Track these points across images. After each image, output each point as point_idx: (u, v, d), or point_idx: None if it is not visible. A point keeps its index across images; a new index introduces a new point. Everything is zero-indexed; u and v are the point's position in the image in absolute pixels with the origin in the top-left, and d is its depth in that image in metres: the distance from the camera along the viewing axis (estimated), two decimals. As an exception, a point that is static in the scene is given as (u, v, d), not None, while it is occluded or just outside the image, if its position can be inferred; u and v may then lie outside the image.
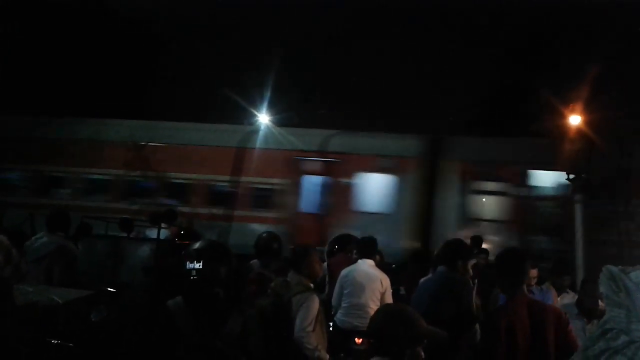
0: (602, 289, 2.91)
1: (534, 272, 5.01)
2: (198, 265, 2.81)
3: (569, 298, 5.56)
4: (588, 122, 10.69)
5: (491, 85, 26.03)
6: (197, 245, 2.94)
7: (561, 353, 3.31)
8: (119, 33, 24.94)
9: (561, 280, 5.78)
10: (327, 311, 5.93)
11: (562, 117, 11.05)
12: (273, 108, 17.40)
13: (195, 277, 2.80)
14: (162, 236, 7.31)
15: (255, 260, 5.61)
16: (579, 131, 10.68)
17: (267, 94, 18.07)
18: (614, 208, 11.02)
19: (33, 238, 5.41)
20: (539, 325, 3.39)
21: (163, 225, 7.44)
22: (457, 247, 4.49)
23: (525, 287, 3.66)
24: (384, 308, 3.02)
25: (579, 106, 10.90)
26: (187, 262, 2.82)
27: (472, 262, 4.48)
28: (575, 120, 10.96)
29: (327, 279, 7.02)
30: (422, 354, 2.73)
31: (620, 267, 2.85)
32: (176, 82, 26.42)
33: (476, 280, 6.32)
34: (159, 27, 26.88)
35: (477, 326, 3.88)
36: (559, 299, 5.52)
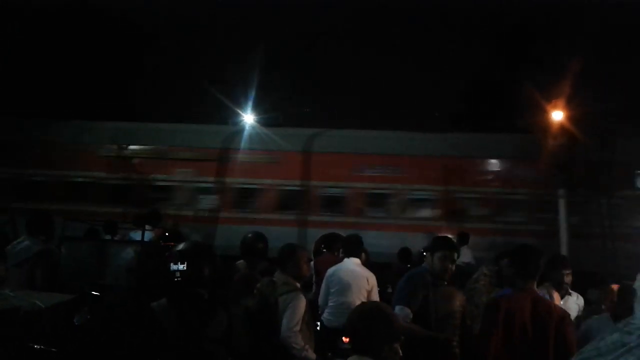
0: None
1: (568, 277, 4.82)
2: (182, 267, 2.79)
3: (573, 301, 5.35)
4: (570, 118, 10.79)
5: (473, 81, 26.27)
6: (180, 246, 2.92)
7: (559, 354, 3.34)
8: (102, 34, 24.71)
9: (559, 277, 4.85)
10: (314, 310, 5.92)
11: (545, 112, 11.15)
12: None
13: (179, 279, 2.78)
14: (146, 238, 7.24)
15: (241, 261, 5.58)
16: (561, 126, 10.78)
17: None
18: (596, 201, 11.13)
19: (14, 242, 5.32)
20: (541, 322, 3.43)
21: (147, 227, 7.37)
22: (432, 243, 4.53)
23: (535, 283, 3.71)
24: (360, 306, 3.03)
25: (561, 102, 11.01)
26: (171, 264, 2.80)
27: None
28: (557, 115, 11.07)
29: (314, 278, 7.02)
30: (400, 351, 2.74)
31: None
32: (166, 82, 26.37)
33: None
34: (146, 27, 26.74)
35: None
36: (561, 302, 4.87)
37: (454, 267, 4.41)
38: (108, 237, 8.41)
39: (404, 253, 9.29)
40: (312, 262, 7.29)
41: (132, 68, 25.77)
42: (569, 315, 3.62)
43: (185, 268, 2.79)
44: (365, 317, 2.81)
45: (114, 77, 24.58)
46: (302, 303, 4.02)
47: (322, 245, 7.75)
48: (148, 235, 7.34)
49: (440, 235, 5.36)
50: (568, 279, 4.83)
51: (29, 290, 4.35)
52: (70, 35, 23.71)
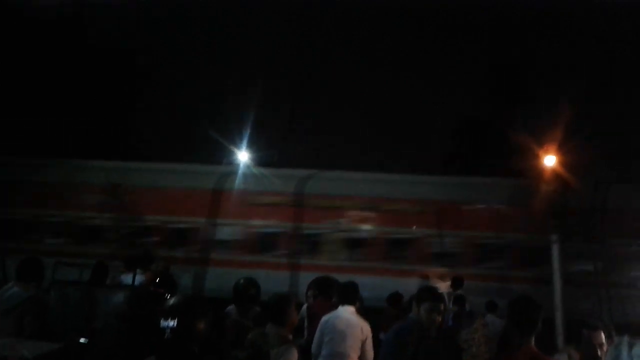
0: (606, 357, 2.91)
1: (599, 337, 3.88)
2: (172, 324, 2.74)
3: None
4: (563, 163, 10.87)
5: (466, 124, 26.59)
6: (171, 302, 2.88)
7: None
8: (98, 71, 24.89)
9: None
10: (307, 357, 5.81)
11: (538, 158, 11.24)
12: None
13: (169, 336, 2.73)
14: (137, 281, 7.16)
15: (231, 306, 5.51)
16: (554, 172, 10.85)
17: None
18: (590, 247, 11.13)
19: (3, 288, 5.24)
20: None
21: (138, 270, 7.29)
22: (418, 294, 4.45)
23: (532, 339, 3.57)
24: None
25: (553, 147, 11.11)
26: (162, 320, 2.75)
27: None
28: (550, 161, 11.15)
29: (305, 323, 6.91)
30: None
31: (634, 338, 2.85)
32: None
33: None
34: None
35: None
36: None
37: (440, 318, 4.34)
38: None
39: (395, 298, 9.20)
40: (304, 306, 7.21)
41: (132, 106, 25.90)
42: None
43: (175, 325, 2.74)
44: None
45: (109, 115, 24.65)
46: (294, 356, 3.95)
47: (316, 290, 7.68)
48: (139, 278, 7.27)
49: (425, 286, 5.26)
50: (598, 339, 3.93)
51: (16, 339, 4.27)
52: (68, 72, 23.86)
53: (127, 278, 7.82)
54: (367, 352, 5.74)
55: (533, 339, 3.59)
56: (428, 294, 4.37)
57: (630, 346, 2.95)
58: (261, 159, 17.73)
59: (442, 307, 4.31)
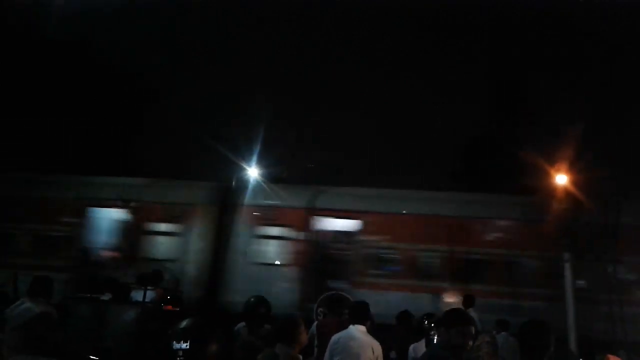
0: None
1: None
2: (185, 346, 2.73)
3: None
4: (574, 181, 10.83)
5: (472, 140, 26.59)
6: (183, 323, 2.87)
7: None
8: (104, 88, 25.07)
9: None
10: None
11: (549, 175, 11.21)
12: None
13: (182, 358, 2.72)
14: (148, 298, 7.19)
15: (241, 324, 5.50)
16: (565, 190, 10.81)
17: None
18: (602, 265, 11.04)
19: (13, 305, 5.25)
20: None
21: (149, 287, 7.32)
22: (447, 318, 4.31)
23: None
24: None
25: (564, 165, 11.08)
26: (174, 342, 2.74)
27: None
28: (561, 179, 11.12)
29: (315, 342, 6.88)
30: None
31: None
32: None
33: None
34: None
35: None
36: None
37: (471, 343, 4.21)
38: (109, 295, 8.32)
39: (404, 316, 9.11)
40: (314, 324, 7.19)
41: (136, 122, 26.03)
42: None
43: (188, 347, 2.74)
44: None
45: (112, 132, 24.78)
46: (304, 377, 3.94)
47: (326, 307, 7.65)
48: (150, 295, 7.29)
49: (452, 308, 5.05)
50: None
51: (27, 356, 4.26)
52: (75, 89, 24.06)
53: (137, 295, 7.84)
54: (378, 373, 5.71)
55: None
56: (459, 317, 4.21)
57: None
58: (270, 175, 17.77)
59: (472, 330, 4.17)
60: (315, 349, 6.82)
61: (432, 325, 6.55)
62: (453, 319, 4.13)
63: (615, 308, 10.19)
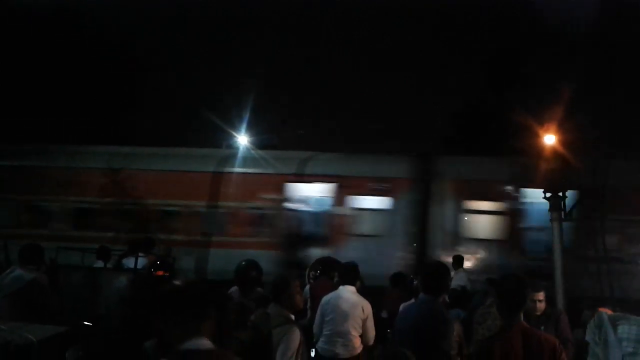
0: (587, 336, 2.89)
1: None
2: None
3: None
4: (563, 141, 10.84)
5: (470, 104, 26.51)
6: (174, 285, 2.90)
7: None
8: (95, 56, 24.76)
9: None
10: (309, 337, 5.88)
11: (538, 135, 11.21)
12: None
13: (172, 318, 2.74)
14: (139, 265, 7.21)
15: (234, 288, 5.56)
16: (554, 150, 10.83)
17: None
18: (590, 224, 11.16)
19: (4, 273, 5.28)
20: (533, 356, 3.34)
21: (140, 254, 7.34)
22: (441, 278, 4.37)
23: (522, 315, 3.60)
24: (391, 351, 2.92)
25: (553, 125, 11.07)
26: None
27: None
28: (550, 139, 11.13)
29: (309, 304, 6.98)
30: None
31: (615, 314, 2.81)
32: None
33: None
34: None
35: None
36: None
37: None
38: (101, 263, 8.35)
39: (398, 278, 9.26)
40: (307, 287, 7.28)
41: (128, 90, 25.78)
42: (560, 343, 3.51)
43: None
44: None
45: (109, 100, 24.55)
46: (296, 336, 3.99)
47: (318, 270, 7.74)
48: (141, 261, 7.31)
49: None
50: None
51: (20, 323, 4.30)
52: (68, 57, 23.75)
53: (129, 262, 7.87)
54: (368, 331, 5.81)
55: (522, 315, 3.59)
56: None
57: (614, 326, 2.89)
58: (261, 142, 17.76)
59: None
60: (308, 311, 6.93)
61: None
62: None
63: (602, 266, 10.34)
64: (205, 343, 2.17)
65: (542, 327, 4.81)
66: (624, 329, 2.66)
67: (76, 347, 3.80)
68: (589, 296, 10.65)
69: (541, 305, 5.25)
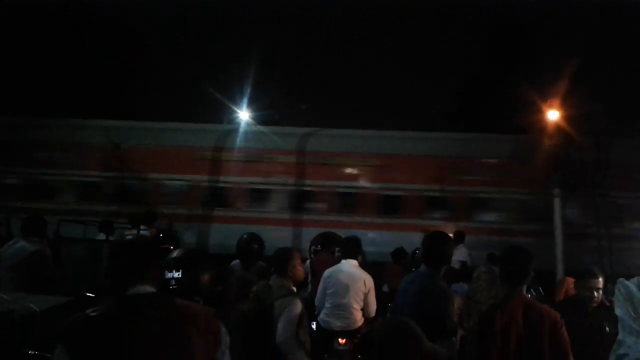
0: (617, 311, 2.81)
1: (596, 283, 4.42)
2: (177, 275, 2.77)
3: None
4: (565, 117, 10.81)
5: (467, 80, 26.36)
6: (175, 253, 2.90)
7: (554, 357, 3.30)
8: (96, 32, 24.56)
9: None
10: (310, 310, 5.91)
11: (540, 112, 11.17)
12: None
13: (174, 287, 2.76)
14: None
15: (236, 261, 5.57)
16: (556, 126, 10.80)
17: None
18: (591, 201, 11.18)
19: (7, 244, 5.29)
20: (534, 329, 3.34)
21: (142, 227, 7.36)
22: (442, 250, 4.34)
23: (524, 287, 3.58)
24: (393, 321, 2.92)
25: (556, 101, 11.02)
26: (166, 272, 2.77)
27: None
28: (552, 115, 11.09)
29: (309, 278, 7.01)
30: None
31: (637, 278, 2.72)
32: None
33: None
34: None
35: (455, 338, 3.88)
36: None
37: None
38: (103, 236, 8.38)
39: (399, 254, 9.30)
40: (307, 262, 7.30)
41: (127, 66, 25.59)
42: (561, 317, 3.51)
43: (180, 276, 2.77)
44: (398, 333, 2.72)
45: (105, 75, 24.40)
46: (297, 308, 4.00)
47: (319, 245, 7.78)
48: (143, 234, 7.34)
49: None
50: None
51: (23, 293, 4.32)
52: (61, 34, 23.55)
53: (131, 235, 7.89)
54: (369, 304, 5.83)
55: (525, 287, 3.59)
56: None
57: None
58: (262, 118, 17.67)
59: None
60: (309, 285, 6.96)
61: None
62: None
63: (603, 242, 10.39)
64: (148, 288, 2.32)
65: (606, 327, 4.20)
66: None
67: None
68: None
69: (598, 295, 4.40)
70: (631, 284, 2.71)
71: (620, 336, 2.73)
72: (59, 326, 2.17)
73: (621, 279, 2.80)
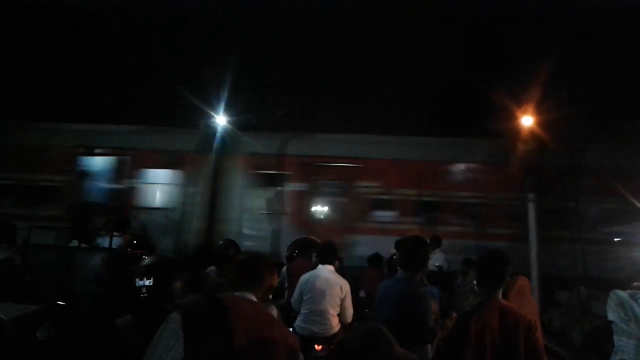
0: (610, 316, 2.90)
1: None
2: (148, 282, 2.72)
3: None
4: (539, 123, 10.94)
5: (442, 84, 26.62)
6: (146, 261, 2.85)
7: None
8: (71, 32, 24.20)
9: None
10: (286, 316, 5.87)
11: (514, 117, 11.29)
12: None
13: (145, 295, 2.71)
14: (115, 244, 7.12)
15: (212, 268, 5.51)
16: (530, 131, 10.93)
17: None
18: (565, 205, 11.32)
19: (-24, 251, 5.16)
20: (509, 333, 3.35)
21: (116, 233, 7.23)
22: (419, 254, 4.35)
23: (500, 292, 3.59)
24: (366, 326, 2.91)
25: (530, 107, 11.16)
26: (137, 280, 2.73)
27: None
28: (527, 121, 11.22)
29: (286, 284, 6.97)
30: None
31: (629, 291, 2.84)
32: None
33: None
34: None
35: (433, 344, 3.89)
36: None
37: None
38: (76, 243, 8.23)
39: (376, 259, 9.33)
40: (284, 268, 7.26)
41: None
42: (535, 321, 3.53)
43: (151, 284, 2.72)
44: (370, 338, 2.71)
45: (81, 77, 24.04)
46: (273, 313, 3.96)
47: (295, 251, 7.73)
48: (117, 241, 7.22)
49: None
50: None
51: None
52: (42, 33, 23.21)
53: (104, 241, 7.76)
54: (346, 310, 5.82)
55: (500, 291, 3.60)
56: None
57: (635, 300, 2.87)
58: (239, 122, 17.53)
59: None
60: (286, 291, 6.92)
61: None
62: None
63: (576, 246, 10.52)
64: (251, 296, 2.77)
65: None
66: None
67: (47, 325, 3.73)
68: (563, 276, 10.88)
69: None
70: (620, 293, 2.83)
71: (615, 341, 2.84)
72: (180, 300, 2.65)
73: (614, 290, 2.94)
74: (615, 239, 12.28)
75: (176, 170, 13.73)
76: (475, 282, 6.09)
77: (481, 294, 3.67)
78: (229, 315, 2.52)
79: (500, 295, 3.59)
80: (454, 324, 3.71)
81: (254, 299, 2.78)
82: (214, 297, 2.64)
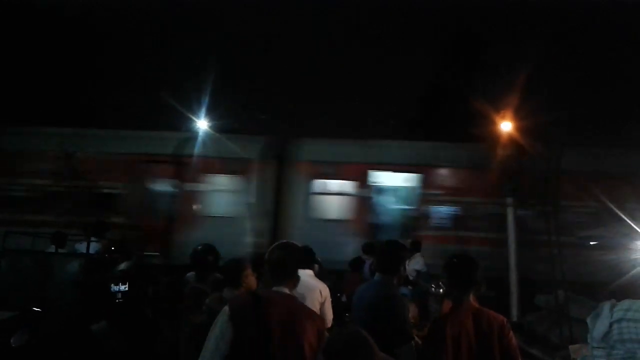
0: (588, 321, 2.95)
1: None
2: (124, 288, 2.70)
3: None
4: (518, 128, 11.06)
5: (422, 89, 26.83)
6: (122, 266, 2.84)
7: None
8: (53, 35, 23.98)
9: None
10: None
11: (493, 122, 11.41)
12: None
13: (120, 300, 2.69)
14: (93, 250, 7.06)
15: (191, 273, 5.49)
16: (509, 137, 11.04)
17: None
18: (543, 210, 11.45)
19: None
20: (484, 335, 3.38)
21: (93, 238, 7.17)
22: (396, 257, 4.38)
23: (472, 295, 3.61)
24: (346, 330, 2.93)
25: (509, 112, 11.28)
26: (112, 285, 2.71)
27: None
28: (505, 126, 11.34)
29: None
30: None
31: (613, 300, 2.85)
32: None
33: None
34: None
35: (412, 344, 3.90)
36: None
37: None
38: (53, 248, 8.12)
39: (356, 262, 9.37)
40: (265, 272, 7.24)
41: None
42: (507, 320, 3.57)
43: (127, 289, 2.71)
44: (350, 341, 2.71)
45: (64, 81, 23.82)
46: (251, 319, 3.95)
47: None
48: (94, 246, 7.16)
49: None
50: None
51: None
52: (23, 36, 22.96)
53: (81, 247, 7.68)
54: (326, 314, 5.81)
55: (471, 293, 3.62)
56: None
57: (613, 305, 2.89)
58: (221, 126, 17.49)
59: None
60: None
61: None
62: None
63: (554, 250, 10.62)
64: (285, 290, 3.36)
65: None
66: (622, 305, 2.71)
67: (21, 331, 3.69)
68: (541, 280, 10.97)
69: None
70: (608, 304, 2.85)
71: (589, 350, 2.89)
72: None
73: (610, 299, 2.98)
74: (592, 242, 12.43)
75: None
76: (433, 287, 6.13)
77: (453, 299, 3.68)
78: (265, 306, 3.12)
79: (471, 299, 3.61)
80: (429, 330, 3.73)
81: (287, 291, 3.35)
82: (254, 293, 3.32)
